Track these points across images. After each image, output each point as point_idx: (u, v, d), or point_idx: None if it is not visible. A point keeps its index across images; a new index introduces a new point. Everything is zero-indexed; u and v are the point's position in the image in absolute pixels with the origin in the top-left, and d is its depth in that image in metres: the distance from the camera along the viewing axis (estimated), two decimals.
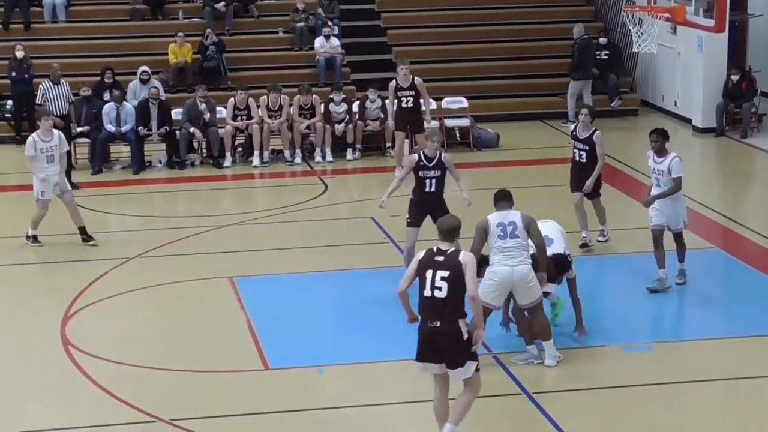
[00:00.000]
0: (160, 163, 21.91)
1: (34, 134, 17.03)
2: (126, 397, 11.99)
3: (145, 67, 23.13)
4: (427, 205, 14.33)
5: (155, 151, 22.13)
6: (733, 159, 22.52)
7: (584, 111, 15.95)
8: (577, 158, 16.01)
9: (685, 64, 24.55)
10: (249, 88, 22.49)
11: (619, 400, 11.95)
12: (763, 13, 25.71)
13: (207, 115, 21.74)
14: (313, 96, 22.38)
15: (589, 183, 15.84)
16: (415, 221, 14.42)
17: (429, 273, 10.28)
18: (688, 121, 24.45)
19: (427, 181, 14.30)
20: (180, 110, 22.12)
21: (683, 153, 22.97)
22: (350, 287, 15.26)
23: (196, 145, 22.31)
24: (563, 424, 11.29)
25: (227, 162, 21.79)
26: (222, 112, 22.14)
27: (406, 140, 20.93)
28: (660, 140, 14.57)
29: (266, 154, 21.89)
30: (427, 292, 10.27)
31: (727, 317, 13.99)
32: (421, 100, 20.33)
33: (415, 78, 20.13)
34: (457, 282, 10.21)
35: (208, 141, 21.94)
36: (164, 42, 25.16)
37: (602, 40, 25.78)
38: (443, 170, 14.30)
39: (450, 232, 10.48)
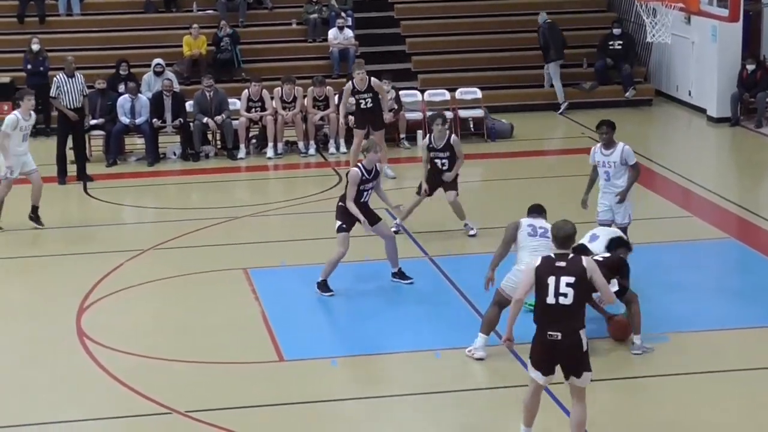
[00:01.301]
0: (175, 155, 21.90)
1: (16, 112, 17.33)
2: (141, 388, 11.97)
3: (159, 60, 23.12)
4: (363, 209, 14.51)
5: (170, 143, 22.11)
6: (748, 149, 22.41)
7: (438, 121, 16.31)
8: (440, 166, 16.52)
9: (699, 54, 24.44)
10: (263, 79, 22.49)
11: (635, 390, 11.90)
12: None
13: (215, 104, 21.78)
14: (327, 87, 22.34)
15: (450, 174, 16.49)
16: (349, 228, 14.48)
17: (551, 280, 9.87)
18: (703, 111, 24.34)
19: (365, 192, 14.47)
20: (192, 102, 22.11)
21: (697, 143, 23.24)
22: (364, 278, 15.22)
23: (210, 136, 22.28)
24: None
25: (241, 153, 21.77)
26: (236, 103, 22.10)
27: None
28: (610, 132, 14.48)
29: (280, 145, 21.87)
30: (551, 300, 9.86)
31: (743, 307, 13.89)
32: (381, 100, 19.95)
33: (372, 80, 19.56)
34: (582, 288, 9.88)
35: (222, 133, 21.91)
36: (179, 34, 25.16)
37: (616, 31, 25.69)
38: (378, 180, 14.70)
39: (566, 240, 10.07)
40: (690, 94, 24.97)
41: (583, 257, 10.10)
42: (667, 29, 22.11)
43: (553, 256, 10.06)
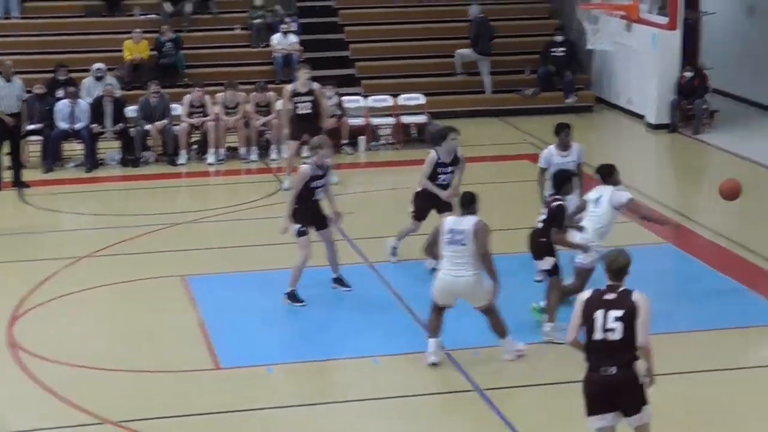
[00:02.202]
0: (114, 160, 21.64)
1: None
2: (74, 399, 11.77)
3: (100, 64, 22.87)
4: (313, 211, 14.28)
5: (109, 148, 21.84)
6: (686, 155, 22.51)
7: (452, 135, 15.21)
8: (442, 182, 15.33)
9: (639, 62, 24.52)
10: (206, 85, 22.32)
11: (568, 396, 11.83)
12: (716, 11, 25.73)
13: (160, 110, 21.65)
14: (270, 93, 22.22)
15: (451, 193, 15.19)
16: (308, 230, 14.31)
17: (599, 313, 9.25)
18: (642, 117, 24.43)
19: (317, 189, 14.24)
20: (136, 107, 21.89)
21: (637, 149, 23.32)
22: (303, 285, 15.08)
23: (150, 142, 22.06)
24: (514, 420, 11.23)
25: (182, 159, 21.57)
26: (177, 109, 21.91)
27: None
28: (570, 134, 14.82)
29: (221, 151, 21.71)
30: (598, 335, 9.24)
31: (679, 312, 13.87)
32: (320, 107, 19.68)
33: (314, 84, 19.38)
34: (632, 322, 9.23)
35: (163, 138, 21.72)
36: (120, 39, 24.88)
37: (558, 38, 25.74)
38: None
39: (619, 271, 9.40)
40: (630, 101, 25.05)
41: (635, 291, 9.35)
42: (608, 37, 22.26)
43: (603, 288, 9.43)
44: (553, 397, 11.87)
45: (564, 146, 14.94)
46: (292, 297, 14.29)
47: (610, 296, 9.30)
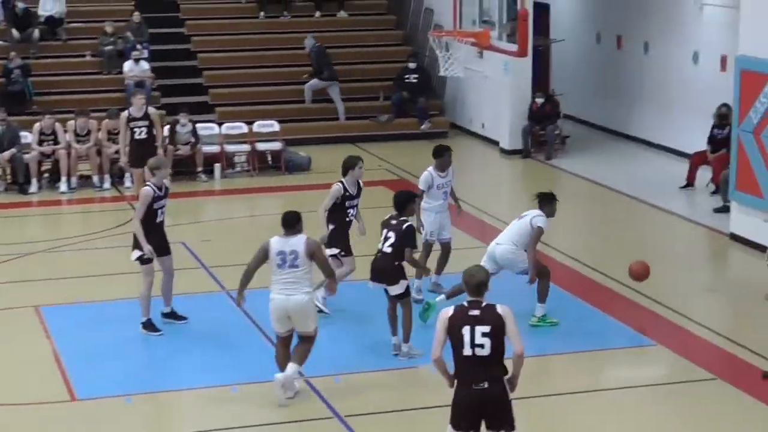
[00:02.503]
0: None
1: None
2: None
3: None
4: (157, 235, 14.07)
5: None
6: (539, 180, 22.85)
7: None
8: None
9: (491, 88, 24.89)
10: (56, 112, 22.00)
11: (429, 421, 11.92)
12: (564, 38, 26.25)
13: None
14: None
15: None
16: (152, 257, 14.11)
17: (466, 329, 9.28)
18: (496, 143, 24.77)
19: (159, 210, 14.05)
20: None
21: (491, 175, 23.62)
22: (158, 313, 14.94)
23: (0, 171, 21.62)
24: None
25: (33, 188, 21.23)
26: (27, 137, 21.53)
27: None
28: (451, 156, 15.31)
29: (74, 179, 21.39)
30: (467, 351, 9.29)
31: (538, 335, 14.04)
32: (155, 131, 19.78)
33: (149, 108, 19.26)
34: (499, 337, 9.33)
35: (13, 166, 21.33)
36: None
37: (411, 65, 25.98)
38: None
39: (479, 287, 9.41)
40: (483, 127, 25.39)
41: (498, 305, 9.44)
42: (459, 63, 22.51)
43: (465, 304, 9.45)
44: (414, 422, 11.92)
45: (443, 167, 15.23)
46: (149, 326, 14.12)
47: (475, 312, 9.34)
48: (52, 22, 26.18)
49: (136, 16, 26.16)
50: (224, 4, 28.11)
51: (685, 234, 18.76)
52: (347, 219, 14.68)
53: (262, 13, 27.74)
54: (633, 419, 12.07)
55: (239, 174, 22.85)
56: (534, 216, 14.21)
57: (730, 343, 13.93)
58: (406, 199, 13.58)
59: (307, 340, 12.13)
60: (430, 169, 15.27)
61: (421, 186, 15.32)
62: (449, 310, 9.50)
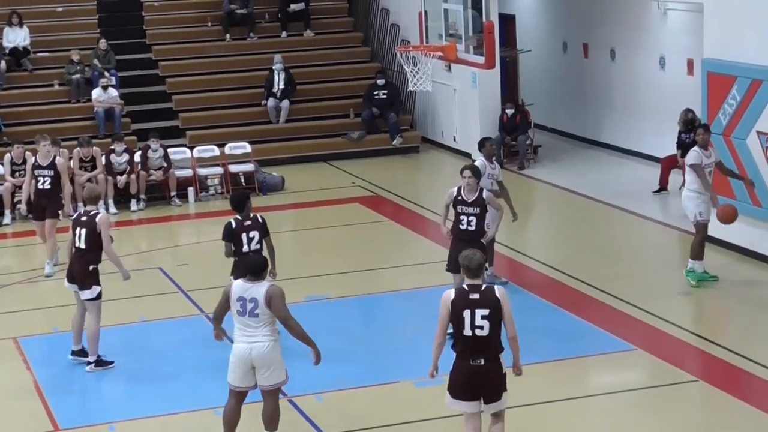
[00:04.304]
0: None
1: None
2: None
3: None
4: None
5: None
6: (512, 190, 22.70)
7: (467, 173, 14.56)
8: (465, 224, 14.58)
9: (461, 100, 24.99)
10: (26, 142, 21.91)
11: None
12: (531, 49, 26.39)
13: None
14: (94, 148, 21.98)
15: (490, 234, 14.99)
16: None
17: (467, 312, 9.99)
18: (468, 155, 24.82)
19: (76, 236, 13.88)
20: None
21: None
22: (140, 339, 14.97)
23: None
24: None
25: (7, 219, 21.17)
26: None
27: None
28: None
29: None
30: (468, 332, 10.01)
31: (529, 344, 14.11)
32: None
33: (57, 158, 18.20)
34: (497, 319, 10.04)
35: None
36: None
37: (380, 81, 26.07)
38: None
39: (478, 269, 10.08)
40: (455, 140, 25.47)
41: (496, 287, 10.16)
42: (428, 78, 22.57)
43: (465, 288, 10.09)
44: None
45: (491, 157, 15.98)
46: (101, 362, 13.87)
47: (475, 296, 10.02)
48: (17, 53, 26.14)
49: (103, 44, 26.13)
50: (190, 27, 28.12)
51: (659, 237, 18.87)
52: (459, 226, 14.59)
53: (228, 36, 27.78)
54: (618, 425, 12.14)
55: (213, 197, 22.83)
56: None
57: (710, 344, 14.01)
58: (242, 199, 14.14)
59: (273, 395, 11.18)
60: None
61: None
62: (451, 294, 10.12)
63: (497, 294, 10.05)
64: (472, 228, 14.40)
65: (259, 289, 10.89)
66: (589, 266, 17.27)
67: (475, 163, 15.58)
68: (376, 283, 17.09)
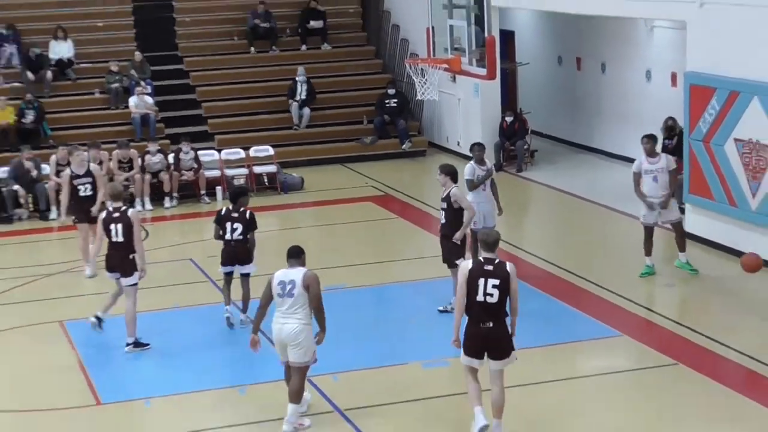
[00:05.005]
0: None
1: None
2: None
3: None
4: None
5: None
6: (511, 191, 22.95)
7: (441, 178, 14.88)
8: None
9: (464, 109, 25.06)
10: (70, 145, 22.05)
11: (423, 410, 12.09)
12: (529, 62, 26.46)
13: (34, 172, 21.41)
14: (131, 150, 22.15)
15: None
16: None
17: (481, 281, 10.58)
18: (471, 158, 24.83)
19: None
20: (5, 168, 21.67)
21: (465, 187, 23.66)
22: (173, 324, 15.11)
23: (22, 201, 21.72)
24: None
25: (53, 215, 21.29)
26: (45, 168, 21.67)
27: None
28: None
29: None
30: (480, 298, 10.61)
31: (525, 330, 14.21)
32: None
33: (91, 165, 18.05)
34: (506, 289, 10.60)
35: (35, 196, 21.47)
36: None
37: (390, 91, 26.16)
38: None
39: (494, 244, 10.79)
40: (459, 144, 25.54)
41: (507, 262, 10.75)
42: (434, 88, 22.68)
43: (482, 260, 10.67)
44: (407, 413, 12.02)
45: (481, 161, 15.99)
46: (138, 344, 14.06)
47: (489, 267, 10.63)
48: (62, 64, 26.30)
49: (138, 56, 26.31)
50: (218, 41, 28.23)
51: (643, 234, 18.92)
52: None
53: (252, 49, 27.91)
54: (605, 404, 12.24)
55: None
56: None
57: (689, 331, 14.10)
58: (239, 193, 14.76)
59: (300, 372, 11.36)
60: (472, 162, 15.93)
61: (467, 175, 15.82)
62: (469, 264, 10.80)
63: (508, 269, 10.65)
64: (443, 221, 14.61)
65: (297, 273, 11.23)
66: (580, 260, 17.36)
67: (466, 166, 15.72)
68: (387, 275, 17.19)
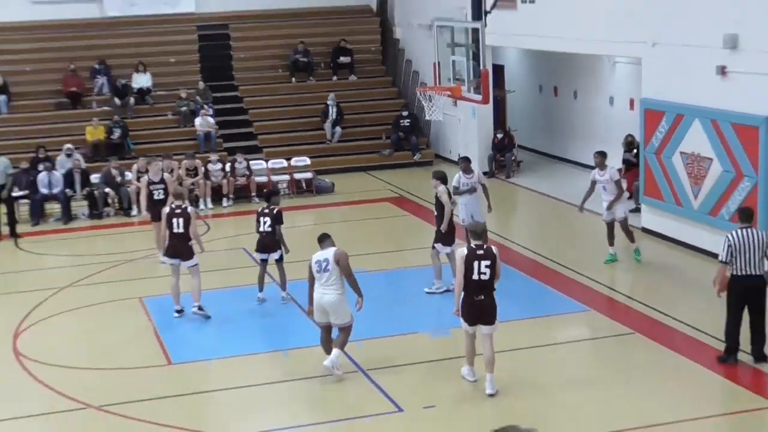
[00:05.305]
0: (84, 215, 21.40)
1: None
2: (64, 391, 11.71)
3: (69, 145, 22.63)
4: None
5: (79, 206, 21.60)
6: (501, 194, 22.95)
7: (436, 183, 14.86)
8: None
9: (464, 127, 25.03)
10: (148, 156, 22.12)
11: (429, 370, 12.08)
12: (515, 90, 26.42)
13: (120, 178, 21.56)
14: (196, 160, 22.21)
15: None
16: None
17: (476, 263, 10.71)
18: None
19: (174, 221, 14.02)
20: (97, 175, 21.78)
21: None
22: (230, 300, 15.13)
23: (110, 200, 21.84)
24: (392, 392, 11.34)
25: (134, 212, 21.35)
26: (128, 175, 21.75)
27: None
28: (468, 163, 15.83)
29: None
30: (476, 276, 10.74)
31: (502, 306, 14.14)
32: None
33: (165, 174, 17.73)
34: (494, 268, 10.81)
35: (120, 197, 21.59)
36: (83, 126, 24.61)
37: (404, 113, 26.12)
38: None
39: (482, 233, 11.06)
40: (459, 156, 25.42)
41: (493, 247, 10.93)
42: (440, 110, 22.59)
43: (473, 246, 10.83)
44: (420, 372, 11.98)
45: (467, 171, 15.75)
46: (201, 309, 14.18)
47: (481, 252, 10.81)
48: (142, 92, 26.39)
49: (202, 84, 26.36)
50: (266, 73, 28.23)
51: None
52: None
53: (293, 79, 27.93)
54: (575, 366, 12.21)
55: (282, 197, 22.94)
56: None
57: (643, 306, 14.09)
58: (272, 194, 14.85)
59: (345, 330, 11.68)
60: (460, 172, 15.77)
61: (453, 183, 15.63)
62: (464, 250, 10.85)
63: (494, 251, 10.82)
64: (435, 214, 14.89)
65: (329, 252, 11.53)
66: (557, 249, 17.32)
67: (455, 176, 15.73)
68: (400, 261, 17.16)
